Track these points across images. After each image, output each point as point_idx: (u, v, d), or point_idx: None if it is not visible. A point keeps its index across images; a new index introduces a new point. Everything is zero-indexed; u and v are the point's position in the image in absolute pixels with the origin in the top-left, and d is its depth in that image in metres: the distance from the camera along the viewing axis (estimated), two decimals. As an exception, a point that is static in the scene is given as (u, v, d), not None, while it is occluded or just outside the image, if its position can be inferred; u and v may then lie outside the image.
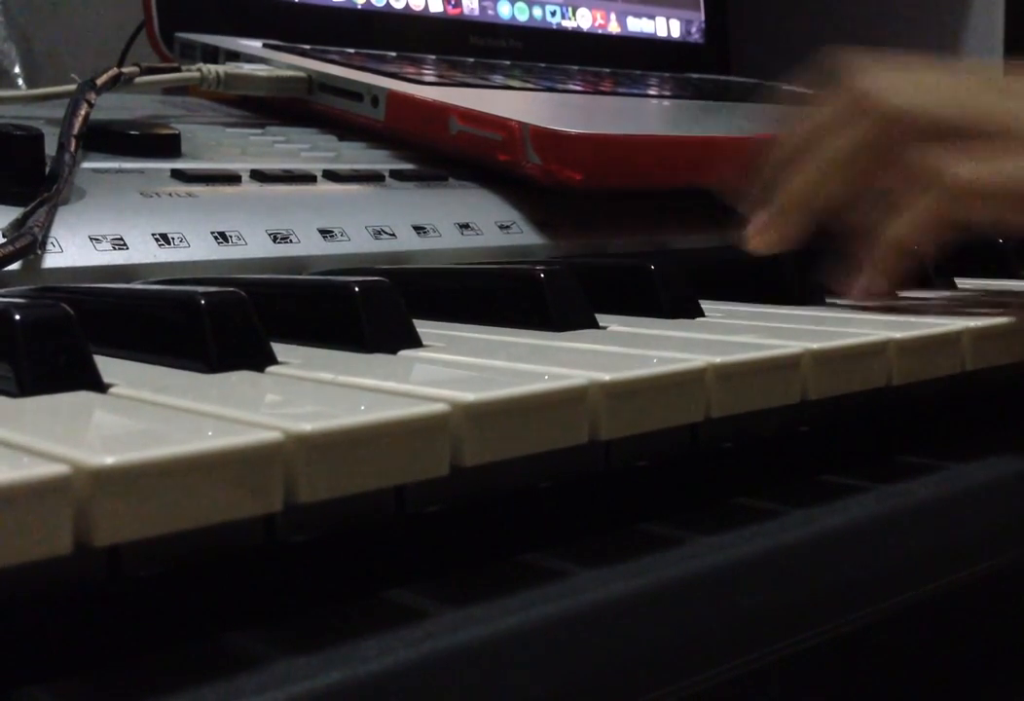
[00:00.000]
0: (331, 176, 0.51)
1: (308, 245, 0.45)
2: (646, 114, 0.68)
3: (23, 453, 0.20)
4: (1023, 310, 0.40)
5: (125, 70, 0.55)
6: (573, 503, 0.32)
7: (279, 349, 0.30)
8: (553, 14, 0.86)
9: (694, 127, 0.61)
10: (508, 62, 0.80)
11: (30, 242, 0.38)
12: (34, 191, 0.41)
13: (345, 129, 0.61)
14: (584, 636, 0.25)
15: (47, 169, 0.43)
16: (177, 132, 0.52)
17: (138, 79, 0.57)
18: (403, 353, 0.32)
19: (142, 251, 0.41)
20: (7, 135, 0.42)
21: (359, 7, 0.76)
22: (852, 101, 0.44)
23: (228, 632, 0.23)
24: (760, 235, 0.44)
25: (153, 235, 0.42)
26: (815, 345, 0.32)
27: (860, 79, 0.44)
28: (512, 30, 0.83)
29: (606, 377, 0.27)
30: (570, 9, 0.87)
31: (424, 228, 0.49)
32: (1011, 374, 0.41)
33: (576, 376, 0.27)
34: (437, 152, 0.56)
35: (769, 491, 0.33)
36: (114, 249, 0.41)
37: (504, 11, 0.83)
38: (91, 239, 0.41)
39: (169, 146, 0.51)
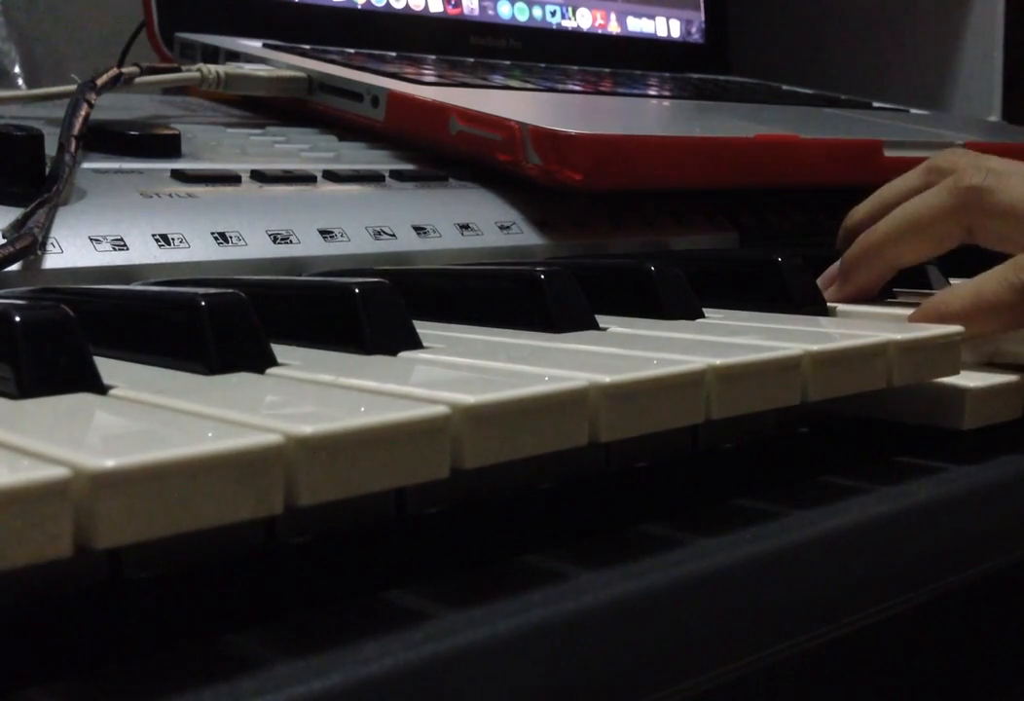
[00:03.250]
0: (331, 176, 0.51)
1: (308, 245, 0.45)
2: (646, 114, 0.68)
3: (23, 456, 0.20)
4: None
5: (125, 70, 0.55)
6: (573, 504, 0.32)
7: (279, 350, 0.30)
8: (553, 14, 0.86)
9: (694, 127, 0.61)
10: (508, 62, 0.80)
11: (30, 243, 0.38)
12: (34, 191, 0.41)
13: (345, 129, 0.61)
14: (584, 637, 0.25)
15: (47, 169, 0.43)
16: (177, 132, 0.52)
17: (138, 79, 0.57)
18: (403, 355, 0.32)
19: (142, 252, 0.41)
20: (7, 135, 0.42)
21: (359, 7, 0.76)
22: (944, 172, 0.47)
23: (228, 634, 0.23)
24: (829, 286, 0.47)
25: (153, 236, 0.42)
26: (815, 347, 0.32)
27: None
28: (512, 30, 0.83)
29: (606, 379, 0.27)
30: (570, 9, 0.87)
31: (424, 228, 0.49)
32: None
33: (576, 378, 0.27)
34: (437, 152, 0.56)
35: (769, 492, 0.33)
36: (114, 250, 0.41)
37: (504, 11, 0.83)
38: (91, 240, 0.41)
39: (169, 146, 0.51)
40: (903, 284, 0.49)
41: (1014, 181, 0.43)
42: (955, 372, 0.36)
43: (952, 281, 0.52)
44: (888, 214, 0.47)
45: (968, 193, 0.44)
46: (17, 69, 0.81)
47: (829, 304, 0.45)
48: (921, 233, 0.45)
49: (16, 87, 0.80)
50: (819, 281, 0.47)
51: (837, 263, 0.47)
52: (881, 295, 0.47)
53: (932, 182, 0.46)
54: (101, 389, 0.26)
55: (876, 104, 0.86)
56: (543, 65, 0.81)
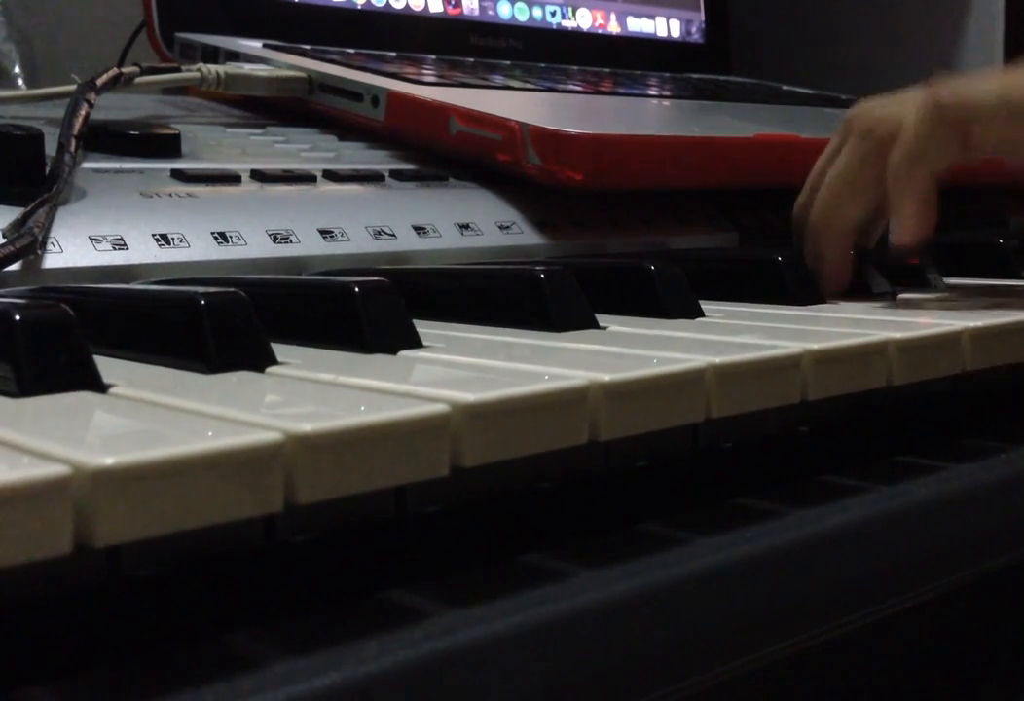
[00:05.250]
0: (331, 176, 0.51)
1: (308, 245, 0.45)
2: (646, 114, 0.68)
3: (23, 453, 0.20)
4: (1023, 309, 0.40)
5: (125, 70, 0.55)
6: (573, 503, 0.32)
7: (279, 349, 0.30)
8: (553, 14, 0.86)
9: (694, 127, 0.61)
10: (508, 62, 0.80)
11: (30, 242, 0.38)
12: (34, 191, 0.41)
13: (345, 129, 0.61)
14: (584, 636, 0.25)
15: (47, 169, 0.43)
16: (177, 132, 0.52)
17: (138, 79, 0.57)
18: (403, 353, 0.32)
19: (142, 251, 0.41)
20: (7, 135, 0.42)
21: (359, 7, 0.76)
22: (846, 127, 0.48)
23: (228, 632, 0.23)
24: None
25: (153, 235, 0.42)
26: (815, 345, 0.32)
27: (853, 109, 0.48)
28: (512, 30, 0.83)
29: (606, 377, 0.27)
30: (570, 9, 0.87)
31: (424, 228, 0.49)
32: (1011, 374, 0.42)
33: (576, 376, 0.27)
34: (437, 152, 0.56)
35: (769, 491, 0.33)
36: (114, 249, 0.41)
37: (504, 11, 0.83)
38: (91, 239, 0.41)
39: (169, 146, 0.51)
40: (902, 283, 0.49)
41: (905, 102, 0.45)
42: (955, 369, 0.36)
43: (949, 281, 0.52)
44: (821, 183, 0.48)
45: (874, 130, 0.45)
46: (17, 69, 0.81)
47: (829, 302, 0.45)
48: (852, 186, 0.46)
49: (16, 87, 0.80)
50: None
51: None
52: (880, 295, 0.47)
53: (846, 133, 0.48)
54: (101, 388, 0.26)
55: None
56: (543, 65, 0.81)
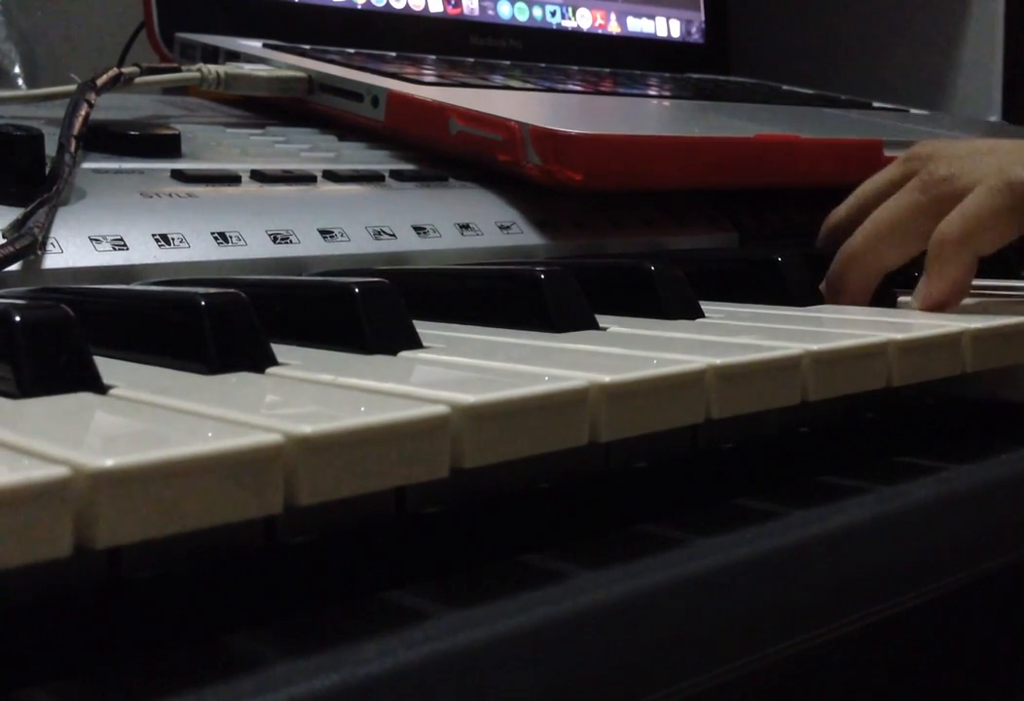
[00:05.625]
0: (331, 176, 0.51)
1: (308, 245, 0.45)
2: (646, 114, 0.68)
3: (23, 455, 0.20)
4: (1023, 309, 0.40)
5: (125, 70, 0.55)
6: (573, 504, 0.32)
7: (279, 350, 0.30)
8: (553, 14, 0.86)
9: (694, 127, 0.61)
10: (508, 62, 0.80)
11: (30, 243, 0.38)
12: (34, 191, 0.41)
13: (345, 129, 0.61)
14: (584, 637, 0.25)
15: (47, 169, 0.43)
16: (177, 132, 0.52)
17: (138, 79, 0.57)
18: (403, 354, 0.32)
19: (142, 251, 0.41)
20: (7, 135, 0.42)
21: (359, 7, 0.76)
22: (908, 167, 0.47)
23: (228, 633, 0.23)
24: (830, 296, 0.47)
25: (153, 235, 0.42)
26: (815, 346, 0.32)
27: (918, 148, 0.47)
28: (512, 30, 0.83)
29: (606, 378, 0.27)
30: (570, 9, 0.87)
31: (424, 228, 0.49)
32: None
33: (576, 377, 0.27)
34: (437, 152, 0.56)
35: (769, 492, 0.33)
36: (114, 249, 0.41)
37: (504, 11, 0.83)
38: (91, 239, 0.41)
39: (169, 146, 0.51)
40: (902, 284, 0.49)
41: (979, 164, 0.44)
42: (955, 370, 0.36)
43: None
44: (867, 209, 0.47)
45: (939, 186, 0.44)
46: (17, 69, 0.81)
47: (829, 304, 0.45)
48: (898, 234, 0.45)
49: (16, 87, 0.80)
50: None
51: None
52: (879, 299, 0.47)
53: (910, 171, 0.47)
54: (101, 389, 0.26)
55: (876, 104, 0.86)
56: (543, 65, 0.81)
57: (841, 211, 0.51)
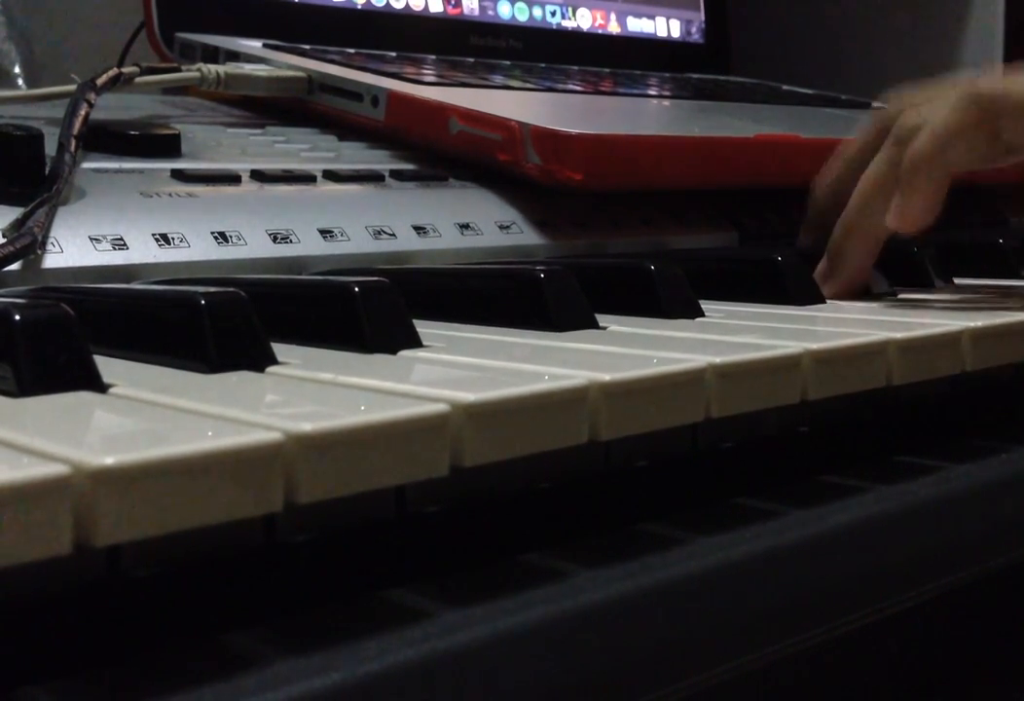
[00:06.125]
0: (331, 176, 0.51)
1: (308, 245, 0.45)
2: (646, 114, 0.68)
3: (23, 453, 0.20)
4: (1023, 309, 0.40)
5: (125, 70, 0.55)
6: (573, 503, 0.32)
7: (279, 349, 0.30)
8: (553, 14, 0.86)
9: (694, 127, 0.61)
10: (508, 62, 0.80)
11: (30, 242, 0.38)
12: (34, 191, 0.41)
13: (345, 129, 0.61)
14: (584, 636, 0.25)
15: (47, 169, 0.43)
16: (177, 132, 0.52)
17: (138, 79, 0.57)
18: (403, 353, 0.32)
19: (142, 251, 0.41)
20: (7, 135, 0.42)
21: (359, 7, 0.76)
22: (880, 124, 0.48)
23: (228, 632, 0.23)
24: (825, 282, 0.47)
25: (153, 235, 0.42)
26: (815, 345, 0.32)
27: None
28: (512, 30, 0.83)
29: (606, 377, 0.27)
30: (570, 9, 0.87)
31: (424, 228, 0.49)
32: (1011, 374, 0.42)
33: (576, 376, 0.27)
34: (437, 152, 0.56)
35: (769, 491, 0.33)
36: (114, 249, 0.41)
37: (504, 11, 0.83)
38: (91, 239, 0.41)
39: (169, 146, 0.51)
40: (902, 283, 0.49)
41: (940, 107, 0.44)
42: (955, 369, 0.36)
43: (957, 281, 0.52)
44: (851, 172, 0.47)
45: (912, 134, 0.44)
46: (17, 69, 0.81)
47: (829, 302, 0.45)
48: (886, 192, 0.45)
49: (16, 87, 0.80)
50: (815, 277, 0.47)
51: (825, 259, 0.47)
52: (880, 295, 0.47)
53: (882, 122, 0.47)
54: (101, 387, 0.26)
55: (876, 104, 0.86)
56: (543, 65, 0.81)
57: (825, 174, 0.51)
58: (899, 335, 0.34)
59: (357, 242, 0.46)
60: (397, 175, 0.53)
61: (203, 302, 0.29)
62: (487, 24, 0.82)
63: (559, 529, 0.29)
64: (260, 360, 0.29)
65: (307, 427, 0.22)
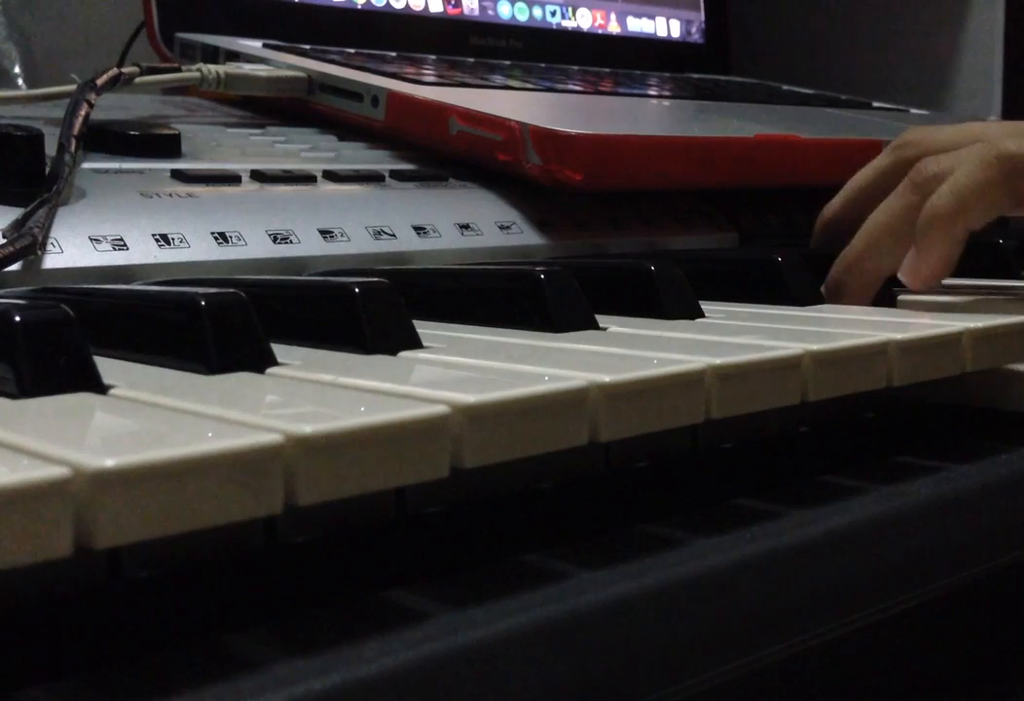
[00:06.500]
0: (331, 176, 0.51)
1: (308, 245, 0.45)
2: (646, 114, 0.68)
3: (23, 455, 0.20)
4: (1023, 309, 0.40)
5: (125, 70, 0.55)
6: (573, 504, 0.32)
7: (279, 350, 0.30)
8: (553, 14, 0.86)
9: (694, 127, 0.61)
10: (508, 62, 0.80)
11: (30, 243, 0.38)
12: (34, 191, 0.41)
13: (345, 129, 0.61)
14: (584, 637, 0.25)
15: (47, 169, 0.43)
16: (177, 132, 0.52)
17: (138, 79, 0.57)
18: (403, 354, 0.32)
19: (142, 251, 0.41)
20: (7, 135, 0.42)
21: (359, 7, 0.76)
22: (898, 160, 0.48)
23: (228, 633, 0.23)
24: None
25: (153, 235, 0.42)
26: (815, 346, 0.32)
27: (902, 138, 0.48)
28: (512, 30, 0.83)
29: (606, 378, 0.27)
30: (570, 9, 0.87)
31: (424, 228, 0.49)
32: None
33: (576, 377, 0.27)
34: (437, 152, 0.56)
35: (769, 491, 0.33)
36: (114, 249, 0.41)
37: (504, 11, 0.83)
38: (91, 239, 0.41)
39: (169, 146, 0.51)
40: (902, 287, 0.49)
41: (968, 154, 0.43)
42: (956, 370, 0.36)
43: (950, 281, 0.51)
44: (859, 203, 0.47)
45: (930, 184, 0.44)
46: (17, 69, 0.81)
47: (829, 303, 0.45)
48: (894, 238, 0.45)
49: (16, 87, 0.80)
50: None
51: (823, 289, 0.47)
52: (879, 300, 0.47)
53: (899, 160, 0.47)
54: (101, 389, 0.26)
55: (876, 104, 0.86)
56: (543, 65, 0.81)
57: (835, 205, 0.51)
58: (900, 336, 0.34)
59: (357, 242, 0.46)
60: (397, 175, 0.53)
61: (203, 303, 0.29)
62: (487, 24, 0.82)
63: (559, 529, 0.29)
64: (260, 361, 0.29)
65: (307, 429, 0.22)
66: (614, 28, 0.90)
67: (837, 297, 0.46)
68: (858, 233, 0.46)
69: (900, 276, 0.44)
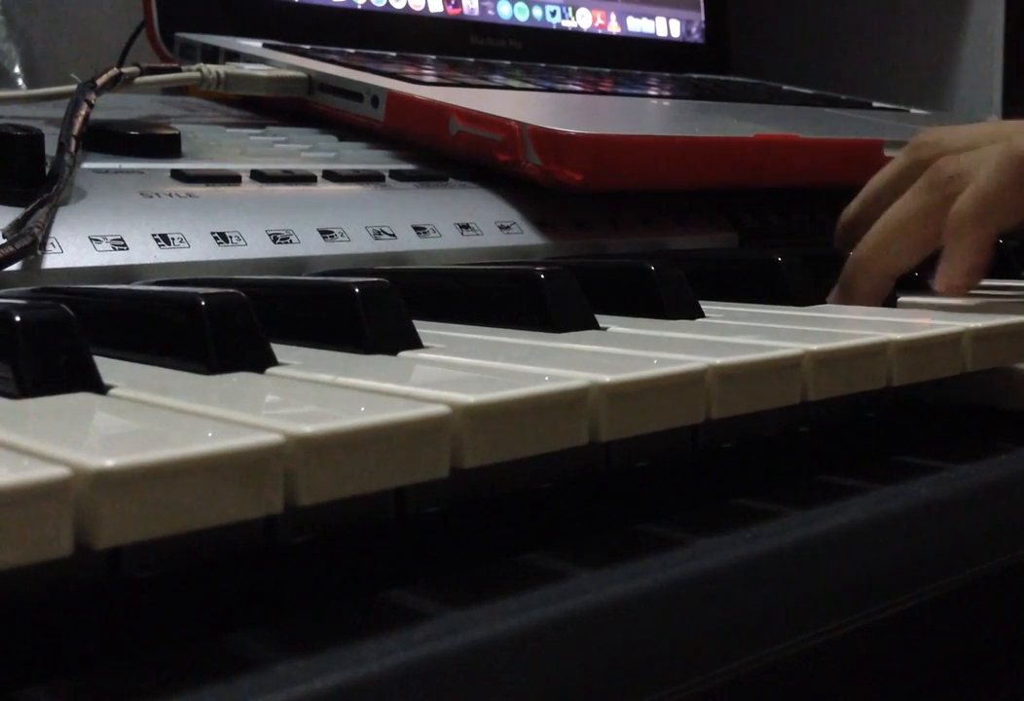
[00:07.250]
0: (331, 176, 0.51)
1: (308, 245, 0.45)
2: (646, 114, 0.68)
3: (23, 455, 0.20)
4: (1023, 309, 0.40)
5: (125, 70, 0.55)
6: (573, 504, 0.32)
7: (279, 350, 0.30)
8: (553, 14, 0.86)
9: (694, 127, 0.61)
10: (508, 62, 0.80)
11: (30, 243, 0.38)
12: (34, 191, 0.41)
13: (345, 129, 0.61)
14: (584, 637, 0.25)
15: (47, 169, 0.43)
16: (177, 132, 0.52)
17: (138, 79, 0.57)
18: (403, 354, 0.32)
19: (142, 251, 0.41)
20: (7, 135, 0.42)
21: (359, 7, 0.76)
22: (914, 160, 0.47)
23: (228, 633, 0.23)
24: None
25: (153, 235, 0.42)
26: (815, 346, 0.32)
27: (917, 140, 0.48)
28: (512, 30, 0.83)
29: (606, 378, 0.27)
30: (570, 9, 0.87)
31: (424, 228, 0.49)
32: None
33: (576, 377, 0.27)
34: (437, 152, 0.56)
35: (769, 491, 0.33)
36: (114, 249, 0.41)
37: (504, 11, 0.83)
38: (91, 239, 0.41)
39: (169, 146, 0.51)
40: (901, 284, 0.49)
41: (984, 154, 0.43)
42: (956, 370, 0.36)
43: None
44: (878, 203, 0.47)
45: (947, 185, 0.44)
46: (17, 69, 0.81)
47: (829, 303, 0.45)
48: (907, 237, 0.45)
49: (16, 87, 0.80)
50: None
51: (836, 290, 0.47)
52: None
53: (918, 160, 0.47)
54: (101, 389, 0.26)
55: (876, 104, 0.86)
56: (543, 65, 0.81)
57: (853, 207, 0.50)
58: (899, 336, 0.34)
59: (357, 242, 0.46)
60: (397, 175, 0.53)
61: (203, 303, 0.29)
62: (487, 24, 0.82)
63: (559, 529, 0.29)
64: (260, 361, 0.29)
65: (307, 429, 0.22)
66: (614, 28, 0.90)
67: (848, 296, 0.46)
68: (870, 231, 0.46)
69: (935, 286, 0.44)
